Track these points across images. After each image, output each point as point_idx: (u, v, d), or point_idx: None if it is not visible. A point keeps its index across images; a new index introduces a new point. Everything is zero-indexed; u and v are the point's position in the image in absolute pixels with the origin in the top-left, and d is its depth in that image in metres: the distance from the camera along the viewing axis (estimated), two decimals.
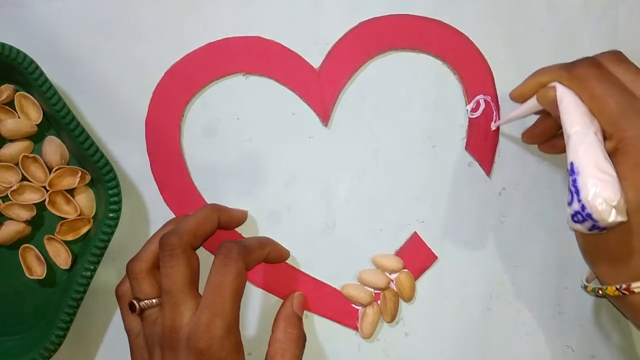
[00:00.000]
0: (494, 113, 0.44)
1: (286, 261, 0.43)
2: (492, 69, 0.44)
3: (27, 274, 0.40)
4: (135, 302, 0.36)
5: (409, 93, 0.44)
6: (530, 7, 0.45)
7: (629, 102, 0.34)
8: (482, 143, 0.44)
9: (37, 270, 0.40)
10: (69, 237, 0.41)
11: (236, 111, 0.43)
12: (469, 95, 0.44)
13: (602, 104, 0.34)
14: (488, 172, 0.44)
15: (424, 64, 0.44)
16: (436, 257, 0.44)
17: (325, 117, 0.43)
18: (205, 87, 0.43)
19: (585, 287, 0.38)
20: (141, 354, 0.36)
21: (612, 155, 0.34)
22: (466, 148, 0.44)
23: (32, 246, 0.41)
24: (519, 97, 0.39)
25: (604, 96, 0.34)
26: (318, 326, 0.43)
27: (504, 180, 0.44)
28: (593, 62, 0.36)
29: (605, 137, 0.34)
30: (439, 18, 0.44)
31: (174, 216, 0.42)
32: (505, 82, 0.44)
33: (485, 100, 0.44)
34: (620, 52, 0.36)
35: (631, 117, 0.33)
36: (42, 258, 0.41)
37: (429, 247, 0.44)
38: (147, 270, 0.37)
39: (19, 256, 0.41)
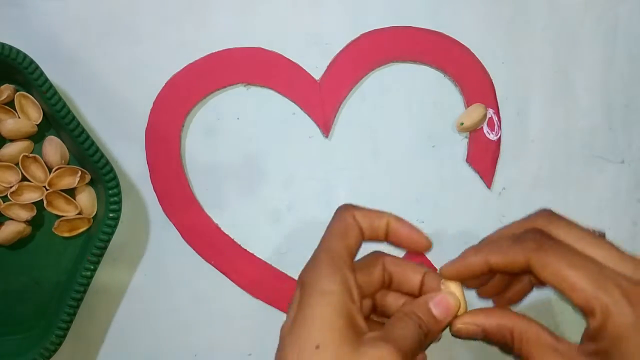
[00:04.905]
0: (495, 125, 0.44)
1: (288, 268, 0.43)
2: (493, 80, 0.44)
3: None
4: None
5: (410, 104, 0.44)
6: (530, 7, 0.45)
7: (600, 271, 0.29)
8: (482, 155, 0.44)
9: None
10: (67, 234, 0.41)
11: (237, 116, 0.43)
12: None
13: (571, 279, 0.29)
14: (489, 184, 0.44)
15: (425, 76, 0.44)
16: (436, 270, 0.43)
17: (326, 128, 0.43)
18: (206, 98, 0.43)
19: None
20: None
21: (597, 334, 0.29)
22: (467, 160, 0.44)
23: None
24: (454, 276, 0.33)
25: (570, 269, 0.29)
26: None
27: (504, 180, 0.44)
28: (541, 233, 0.31)
29: (586, 314, 0.29)
30: (440, 30, 0.44)
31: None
32: (507, 93, 0.44)
33: (486, 112, 0.44)
34: (550, 211, 0.33)
35: (611, 290, 0.29)
36: None
37: (430, 259, 0.43)
38: None
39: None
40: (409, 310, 0.32)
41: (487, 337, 0.33)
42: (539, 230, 0.32)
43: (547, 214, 0.33)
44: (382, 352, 0.29)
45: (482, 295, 0.35)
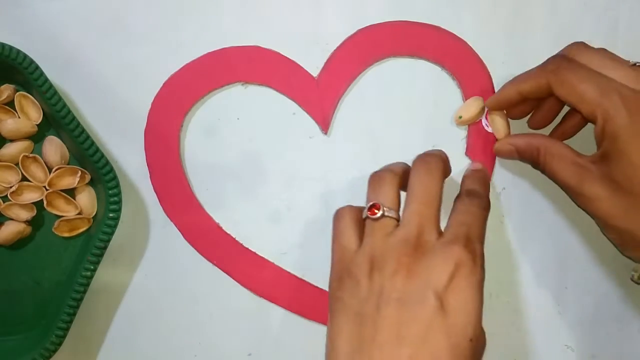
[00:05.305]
0: None
1: (288, 268, 0.43)
2: (491, 73, 0.44)
3: None
4: (380, 204, 0.34)
5: (409, 99, 0.44)
6: (530, 7, 0.45)
7: (606, 83, 0.34)
8: (482, 149, 0.44)
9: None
10: (67, 234, 0.41)
11: (236, 115, 0.43)
12: None
13: (580, 90, 0.35)
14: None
15: (423, 70, 0.44)
16: None
17: (324, 125, 0.43)
18: (204, 97, 0.43)
19: (632, 277, 0.38)
20: (360, 269, 0.33)
21: (601, 138, 0.34)
22: (466, 153, 0.44)
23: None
24: (495, 106, 0.41)
25: (580, 83, 0.35)
26: (319, 333, 0.43)
27: (504, 180, 0.44)
28: (561, 57, 0.37)
29: (592, 122, 0.35)
30: (437, 24, 0.44)
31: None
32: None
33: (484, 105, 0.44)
34: (583, 42, 0.38)
35: (612, 96, 0.34)
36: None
37: None
38: (397, 181, 0.35)
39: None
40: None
41: (520, 155, 0.39)
42: (560, 55, 0.37)
43: (577, 44, 0.38)
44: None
45: (532, 126, 0.41)
